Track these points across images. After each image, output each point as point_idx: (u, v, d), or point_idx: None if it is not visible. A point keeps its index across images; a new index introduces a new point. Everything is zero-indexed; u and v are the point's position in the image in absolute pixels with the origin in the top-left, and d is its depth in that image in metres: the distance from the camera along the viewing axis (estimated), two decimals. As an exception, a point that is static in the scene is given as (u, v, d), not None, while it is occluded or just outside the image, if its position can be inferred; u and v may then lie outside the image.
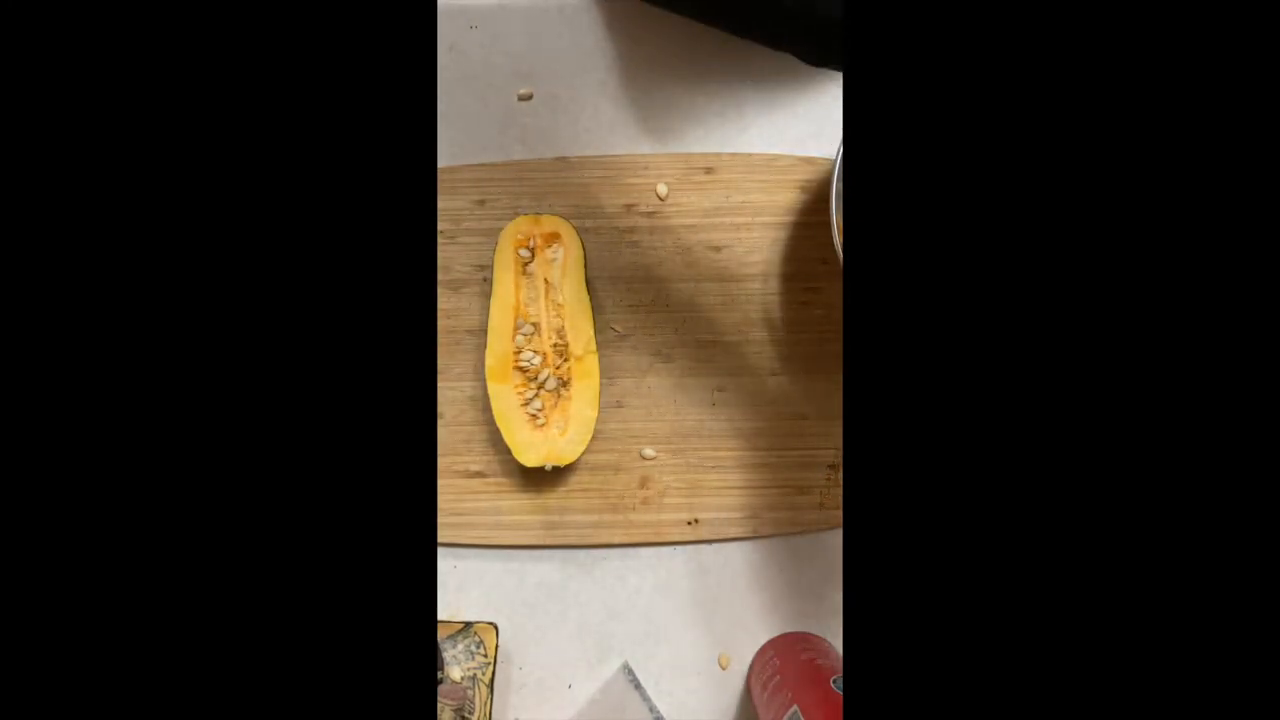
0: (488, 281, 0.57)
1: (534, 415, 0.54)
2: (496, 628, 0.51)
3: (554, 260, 0.56)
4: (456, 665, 0.49)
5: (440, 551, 0.53)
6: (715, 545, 0.53)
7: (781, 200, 0.56)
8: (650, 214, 0.57)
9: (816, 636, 0.51)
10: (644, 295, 0.56)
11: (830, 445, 0.54)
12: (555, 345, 0.55)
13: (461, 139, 0.58)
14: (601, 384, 0.55)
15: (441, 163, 0.58)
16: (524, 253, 0.57)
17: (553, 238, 0.57)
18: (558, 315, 0.56)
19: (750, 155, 0.56)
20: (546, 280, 0.56)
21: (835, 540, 0.53)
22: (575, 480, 0.53)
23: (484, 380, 0.54)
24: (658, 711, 0.49)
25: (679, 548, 0.53)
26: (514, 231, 0.57)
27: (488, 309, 0.55)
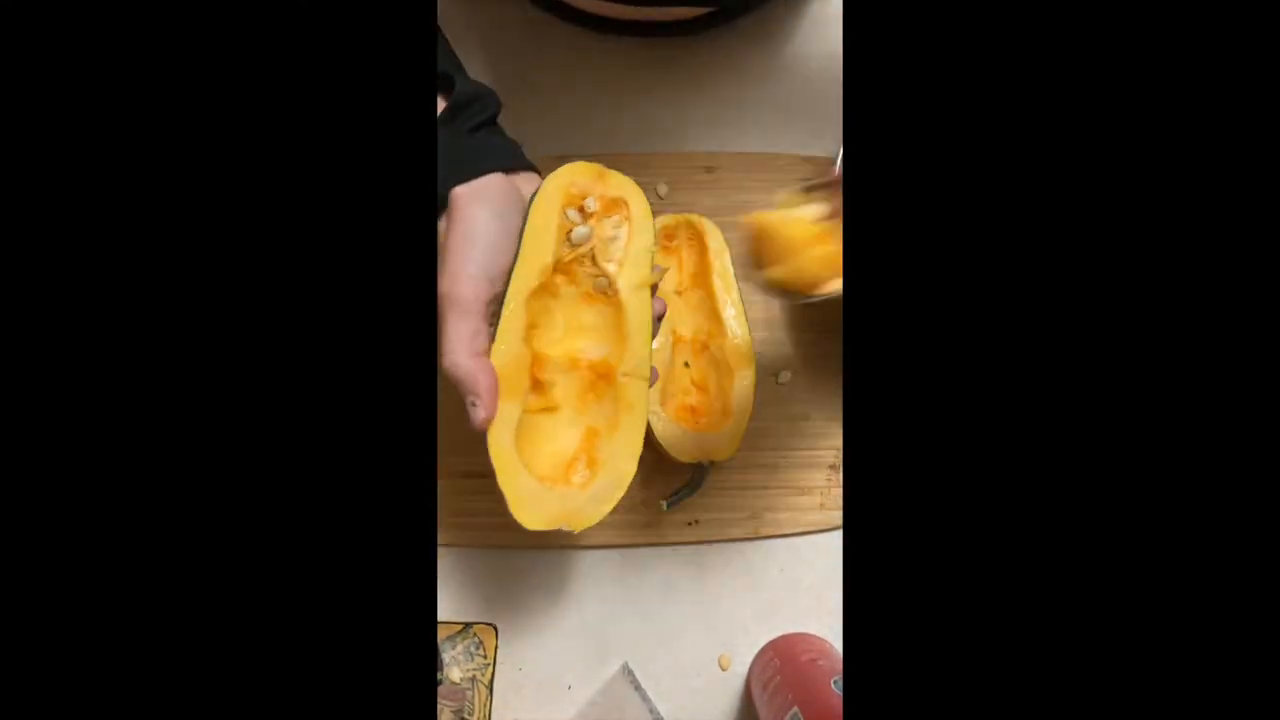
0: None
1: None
2: (496, 629, 0.51)
3: (613, 239, 0.41)
4: (456, 666, 0.49)
5: (440, 551, 0.53)
6: (715, 545, 0.53)
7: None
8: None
9: (816, 637, 0.51)
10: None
11: (830, 445, 0.54)
12: (591, 362, 0.41)
13: (461, 139, 0.58)
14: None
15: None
16: (573, 214, 0.41)
17: (615, 206, 0.42)
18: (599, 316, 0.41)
19: (750, 155, 0.56)
20: (594, 260, 0.41)
21: (835, 541, 0.53)
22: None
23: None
24: (658, 712, 0.49)
25: (679, 548, 0.53)
26: (567, 181, 0.41)
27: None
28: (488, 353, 0.38)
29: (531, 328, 0.40)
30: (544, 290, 0.40)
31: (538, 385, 0.40)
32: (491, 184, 0.39)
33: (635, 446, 0.40)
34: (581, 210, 0.41)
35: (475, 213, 0.38)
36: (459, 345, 0.37)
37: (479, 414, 0.37)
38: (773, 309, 0.56)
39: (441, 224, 0.38)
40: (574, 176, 0.41)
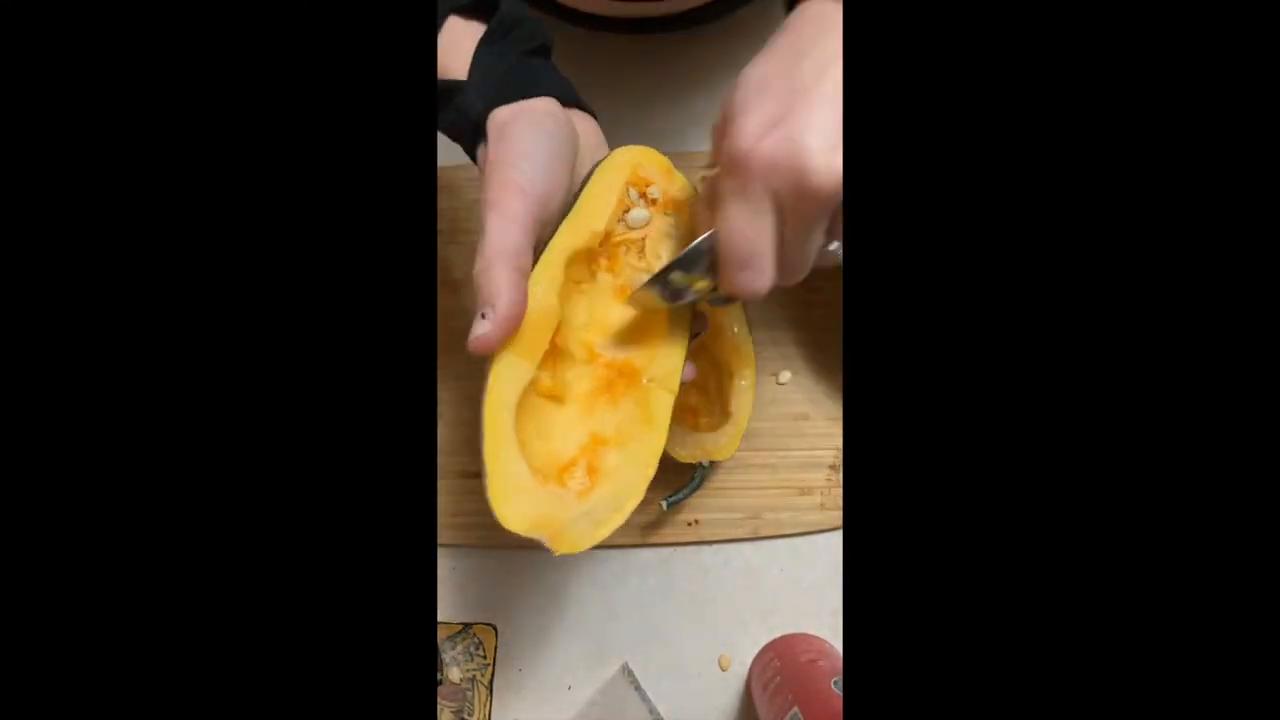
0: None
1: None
2: (495, 629, 0.51)
3: (667, 239, 0.39)
4: (455, 666, 0.49)
5: (440, 551, 0.52)
6: (715, 545, 0.53)
7: (781, 200, 0.56)
8: (650, 214, 0.56)
9: (816, 637, 0.51)
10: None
11: (830, 445, 0.54)
12: (611, 360, 0.38)
13: (461, 139, 0.58)
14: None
15: (441, 162, 0.58)
16: (634, 195, 0.39)
17: (678, 208, 0.39)
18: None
19: (750, 155, 0.56)
20: (642, 254, 0.39)
21: (835, 541, 0.53)
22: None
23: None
24: (657, 713, 0.49)
25: (679, 548, 0.53)
26: (636, 160, 0.38)
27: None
28: (526, 278, 0.33)
29: (564, 295, 0.36)
30: (582, 266, 0.37)
31: (555, 356, 0.36)
32: (540, 105, 0.35)
33: (649, 466, 0.35)
34: (644, 195, 0.38)
35: (522, 130, 0.34)
36: (497, 252, 0.32)
37: (484, 326, 0.32)
38: (773, 309, 0.56)
39: (481, 152, 0.35)
40: (644, 159, 0.38)
